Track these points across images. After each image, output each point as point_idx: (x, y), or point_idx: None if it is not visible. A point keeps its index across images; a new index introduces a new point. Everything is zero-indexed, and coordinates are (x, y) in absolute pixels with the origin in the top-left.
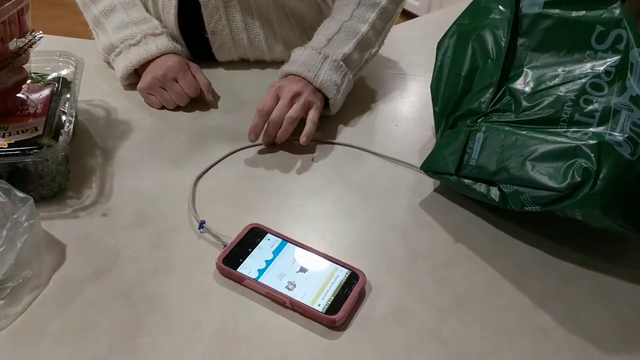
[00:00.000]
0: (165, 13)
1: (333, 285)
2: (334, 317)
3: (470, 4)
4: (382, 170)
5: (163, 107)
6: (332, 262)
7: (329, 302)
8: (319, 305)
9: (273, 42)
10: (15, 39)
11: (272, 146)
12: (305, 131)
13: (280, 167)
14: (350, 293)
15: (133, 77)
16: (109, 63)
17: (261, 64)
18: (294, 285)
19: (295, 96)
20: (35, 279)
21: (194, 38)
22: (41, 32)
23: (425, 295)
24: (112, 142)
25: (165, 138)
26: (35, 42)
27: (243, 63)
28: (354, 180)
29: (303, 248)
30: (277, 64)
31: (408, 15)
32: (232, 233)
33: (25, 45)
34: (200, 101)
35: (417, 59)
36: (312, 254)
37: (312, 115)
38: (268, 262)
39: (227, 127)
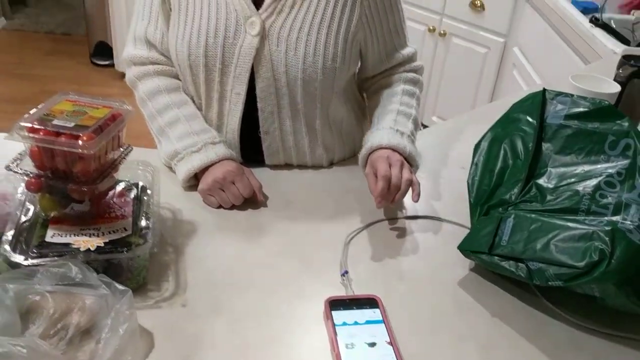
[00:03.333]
0: (230, 116)
1: None
2: None
3: (503, 115)
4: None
5: (220, 207)
6: (393, 349)
7: None
8: None
9: (315, 145)
10: (113, 151)
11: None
12: (417, 191)
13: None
14: None
15: (192, 180)
16: (170, 167)
17: (303, 167)
18: (353, 346)
19: (402, 164)
20: None
21: (249, 137)
22: (130, 145)
23: None
24: (181, 240)
25: (226, 235)
26: (128, 153)
27: (287, 166)
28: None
29: (386, 329)
30: (317, 167)
31: None
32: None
33: (119, 156)
34: (252, 201)
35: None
36: (386, 338)
37: (415, 178)
38: (356, 322)
39: (276, 223)
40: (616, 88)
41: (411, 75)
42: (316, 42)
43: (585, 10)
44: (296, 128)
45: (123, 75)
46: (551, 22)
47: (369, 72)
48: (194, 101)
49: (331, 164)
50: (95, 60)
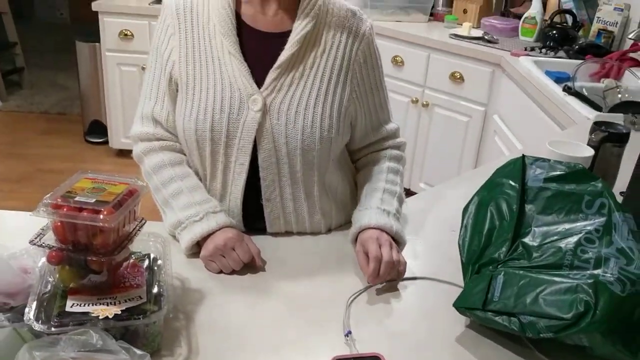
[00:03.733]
0: (234, 185)
1: None
2: None
3: (488, 180)
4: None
5: (220, 272)
6: None
7: None
8: None
9: (313, 211)
10: (129, 224)
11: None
12: (403, 270)
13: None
14: None
15: (195, 248)
16: (174, 236)
17: (302, 234)
18: None
19: (391, 244)
20: None
21: (251, 205)
22: (144, 218)
23: None
24: (191, 307)
25: (233, 300)
26: (142, 226)
27: (287, 233)
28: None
29: None
30: (315, 234)
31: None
32: None
33: (135, 229)
34: (252, 266)
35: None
36: None
37: (402, 258)
38: None
39: (281, 287)
40: (590, 152)
41: (395, 152)
42: (313, 115)
43: (558, 80)
44: (296, 195)
45: (116, 152)
46: (527, 92)
47: (356, 144)
48: (198, 173)
49: (329, 230)
50: (89, 138)
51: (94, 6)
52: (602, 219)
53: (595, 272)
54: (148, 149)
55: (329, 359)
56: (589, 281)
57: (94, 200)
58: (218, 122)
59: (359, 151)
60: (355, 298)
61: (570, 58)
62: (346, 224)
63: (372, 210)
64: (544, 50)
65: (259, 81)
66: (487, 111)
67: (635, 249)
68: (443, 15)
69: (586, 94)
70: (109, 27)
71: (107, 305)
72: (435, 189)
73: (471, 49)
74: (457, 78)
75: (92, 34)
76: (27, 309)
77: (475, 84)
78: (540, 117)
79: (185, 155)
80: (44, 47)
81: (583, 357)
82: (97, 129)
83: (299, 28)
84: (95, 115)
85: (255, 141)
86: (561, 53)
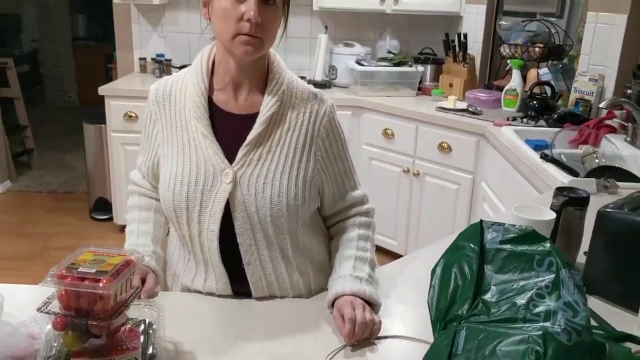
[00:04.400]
0: (211, 252)
1: None
2: None
3: (452, 243)
4: None
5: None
6: None
7: None
8: None
9: (291, 270)
10: (126, 292)
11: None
12: (377, 328)
13: None
14: None
15: None
16: None
17: (284, 297)
18: None
19: (364, 306)
20: None
21: (235, 270)
22: (140, 286)
23: None
24: None
25: None
26: (138, 293)
27: (271, 297)
28: None
29: None
30: (297, 296)
31: (387, 252)
32: None
33: (131, 296)
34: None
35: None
36: None
37: (376, 318)
38: None
39: (265, 347)
40: (551, 215)
41: (364, 219)
42: (280, 185)
43: (536, 147)
44: (272, 256)
45: (120, 227)
46: (508, 159)
47: (326, 211)
48: (184, 237)
49: (309, 290)
50: (94, 215)
51: (101, 90)
52: (552, 276)
53: (545, 324)
54: (131, 190)
55: None
56: (539, 332)
57: (94, 270)
58: (193, 193)
59: (330, 218)
60: (334, 355)
61: (550, 126)
62: (326, 286)
63: (345, 278)
64: (525, 120)
65: (230, 157)
66: (475, 179)
67: (580, 302)
68: (430, 89)
69: (564, 160)
70: (114, 109)
71: None
72: (410, 255)
73: (456, 120)
74: (445, 148)
75: (98, 115)
76: None
77: (462, 153)
78: (521, 182)
79: (159, 201)
80: (53, 129)
81: None
82: (103, 206)
83: (266, 109)
84: (100, 192)
85: (230, 210)
86: (542, 122)
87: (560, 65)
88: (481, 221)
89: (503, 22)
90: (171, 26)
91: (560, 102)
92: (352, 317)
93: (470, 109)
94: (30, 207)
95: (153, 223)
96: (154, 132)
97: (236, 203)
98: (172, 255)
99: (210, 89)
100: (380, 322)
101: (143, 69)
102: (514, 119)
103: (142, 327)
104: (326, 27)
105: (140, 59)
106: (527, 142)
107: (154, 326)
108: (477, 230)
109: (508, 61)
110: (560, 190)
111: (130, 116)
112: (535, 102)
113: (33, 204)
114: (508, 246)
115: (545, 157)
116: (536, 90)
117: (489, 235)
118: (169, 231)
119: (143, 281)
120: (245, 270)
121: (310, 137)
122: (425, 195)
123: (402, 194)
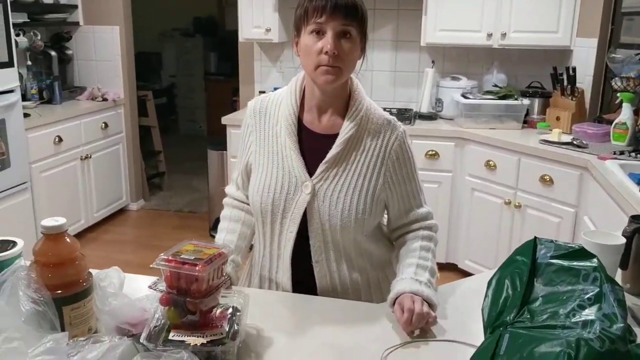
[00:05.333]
0: (285, 249)
1: None
2: None
3: (508, 257)
4: None
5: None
6: None
7: None
8: None
9: (352, 270)
10: (217, 279)
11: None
12: (432, 320)
13: None
14: None
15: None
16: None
17: (345, 298)
18: None
19: (422, 302)
20: None
21: (304, 267)
22: (230, 275)
23: None
24: (260, 349)
25: (294, 350)
26: (227, 281)
27: (333, 292)
28: None
29: None
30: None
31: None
32: None
33: (221, 282)
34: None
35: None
36: None
37: (432, 312)
38: None
39: (329, 340)
40: (621, 240)
41: (426, 232)
42: (350, 201)
43: None
44: (337, 257)
45: None
46: (609, 193)
47: (392, 224)
48: (265, 235)
49: (367, 283)
50: (213, 233)
51: (223, 120)
52: (595, 290)
53: (582, 332)
54: (226, 202)
55: None
56: (574, 338)
57: (193, 257)
58: (277, 199)
59: (395, 230)
60: (392, 352)
61: None
62: (383, 281)
63: (406, 280)
64: (633, 154)
65: (311, 171)
66: (578, 212)
67: (619, 315)
68: (536, 122)
69: None
70: (234, 137)
71: (197, 337)
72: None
73: (559, 153)
74: (547, 181)
75: (221, 143)
76: (143, 334)
77: (564, 186)
78: (622, 216)
79: (249, 214)
80: (184, 155)
81: None
82: None
83: (345, 132)
84: (219, 213)
85: (306, 216)
86: None
87: None
88: (535, 238)
89: (615, 55)
90: (288, 62)
91: None
92: (411, 308)
93: (575, 142)
94: (159, 224)
95: (238, 234)
96: (249, 141)
97: (312, 211)
98: (255, 251)
99: (300, 108)
100: (435, 317)
101: None
102: (622, 152)
103: (230, 310)
104: (433, 62)
105: (260, 92)
106: (631, 175)
107: (240, 312)
108: (530, 246)
109: (618, 94)
110: (634, 218)
111: None
112: None
113: (161, 221)
114: (558, 261)
115: None
116: None
117: (541, 251)
118: (251, 247)
119: None
120: (313, 267)
121: (381, 159)
122: (526, 227)
123: (504, 226)
